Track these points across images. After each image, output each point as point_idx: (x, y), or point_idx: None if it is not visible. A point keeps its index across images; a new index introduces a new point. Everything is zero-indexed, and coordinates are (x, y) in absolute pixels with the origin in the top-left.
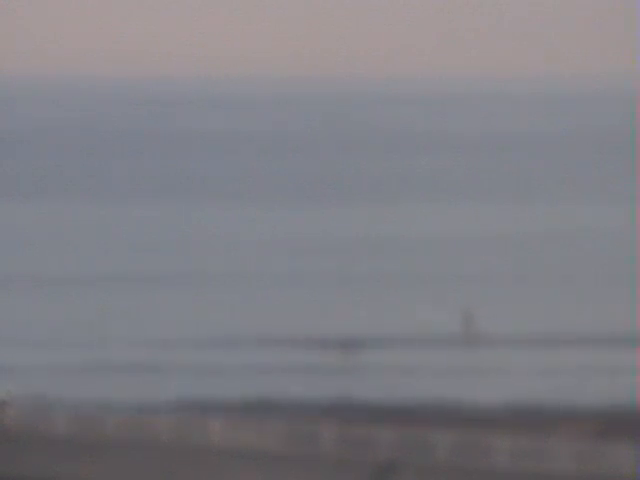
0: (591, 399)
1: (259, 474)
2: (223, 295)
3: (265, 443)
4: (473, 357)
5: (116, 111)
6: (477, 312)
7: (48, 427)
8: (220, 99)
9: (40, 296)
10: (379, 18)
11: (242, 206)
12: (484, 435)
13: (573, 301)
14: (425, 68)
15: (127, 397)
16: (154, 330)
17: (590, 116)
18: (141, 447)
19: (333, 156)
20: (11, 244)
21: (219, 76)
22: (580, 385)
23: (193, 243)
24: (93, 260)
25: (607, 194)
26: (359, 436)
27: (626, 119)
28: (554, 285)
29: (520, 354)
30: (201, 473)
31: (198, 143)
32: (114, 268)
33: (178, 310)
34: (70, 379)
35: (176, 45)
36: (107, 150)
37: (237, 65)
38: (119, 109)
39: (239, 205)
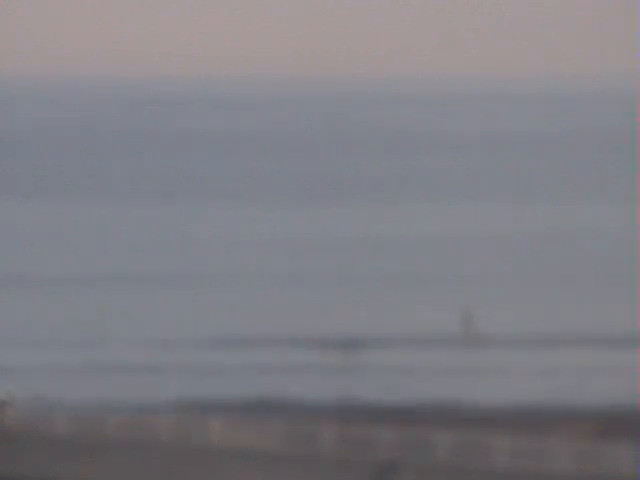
0: (591, 399)
1: (259, 474)
2: (223, 295)
3: (265, 443)
4: (473, 357)
5: (116, 111)
6: (477, 312)
7: (48, 427)
8: (220, 99)
9: (40, 296)
10: (379, 18)
11: (242, 206)
12: (484, 435)
13: (573, 301)
14: (425, 68)
15: (127, 397)
16: (154, 330)
17: (590, 116)
18: (141, 447)
19: (333, 156)
20: (11, 244)
21: (219, 76)
22: (580, 385)
23: (193, 243)
24: (93, 260)
25: (607, 194)
26: (359, 436)
27: (626, 119)
28: (554, 285)
29: (520, 354)
30: (201, 473)
31: (198, 143)
32: (114, 268)
33: (178, 310)
34: (70, 379)
35: (176, 45)
36: (107, 150)
37: (237, 65)
38: (119, 109)
39: (239, 205)
